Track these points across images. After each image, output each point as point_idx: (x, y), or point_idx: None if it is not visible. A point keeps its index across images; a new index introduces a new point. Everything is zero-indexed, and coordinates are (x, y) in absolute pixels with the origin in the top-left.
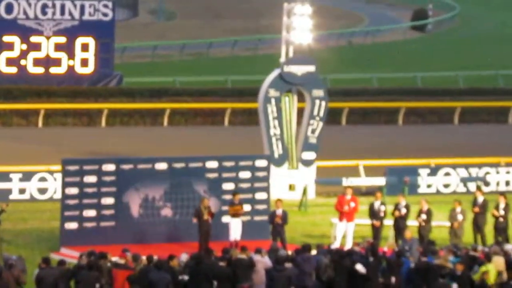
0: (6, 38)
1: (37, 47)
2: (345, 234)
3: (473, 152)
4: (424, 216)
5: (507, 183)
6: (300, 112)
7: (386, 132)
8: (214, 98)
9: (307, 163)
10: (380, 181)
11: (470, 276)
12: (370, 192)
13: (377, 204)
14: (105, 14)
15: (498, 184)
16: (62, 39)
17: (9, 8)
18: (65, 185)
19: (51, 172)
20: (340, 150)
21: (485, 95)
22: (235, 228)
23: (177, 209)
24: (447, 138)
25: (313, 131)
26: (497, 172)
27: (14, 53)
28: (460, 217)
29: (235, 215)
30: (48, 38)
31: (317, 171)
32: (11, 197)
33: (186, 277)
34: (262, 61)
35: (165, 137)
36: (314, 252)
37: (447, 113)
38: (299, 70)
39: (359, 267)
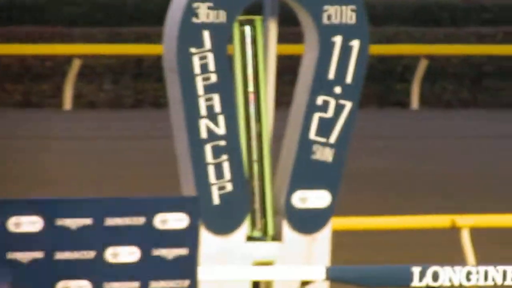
0: None
1: None
2: None
3: None
4: None
5: None
6: (289, 71)
7: None
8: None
9: (308, 222)
10: None
11: None
12: None
13: None
14: None
15: None
16: None
17: None
18: None
19: None
20: (404, 180)
21: None
22: None
23: None
24: None
25: (323, 128)
26: None
27: None
28: None
29: None
30: None
31: (333, 245)
32: None
33: None
34: None
35: None
36: None
37: None
38: None
39: None
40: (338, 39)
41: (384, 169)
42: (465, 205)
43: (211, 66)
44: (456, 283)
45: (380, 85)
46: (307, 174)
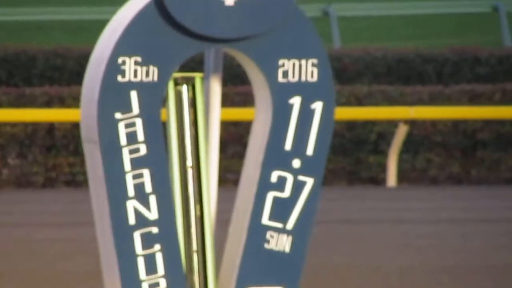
0: None
1: None
2: None
3: None
4: None
5: None
6: (236, 140)
7: None
8: None
9: None
10: None
11: None
12: None
13: None
14: None
15: None
16: None
17: None
18: None
19: None
20: None
21: None
22: None
23: None
24: None
25: (279, 211)
26: None
27: None
28: None
29: None
30: None
31: None
32: None
33: None
34: None
35: None
36: None
37: None
38: None
39: None
40: (296, 101)
41: (354, 264)
42: None
43: (140, 135)
44: None
45: (349, 157)
46: (259, 267)
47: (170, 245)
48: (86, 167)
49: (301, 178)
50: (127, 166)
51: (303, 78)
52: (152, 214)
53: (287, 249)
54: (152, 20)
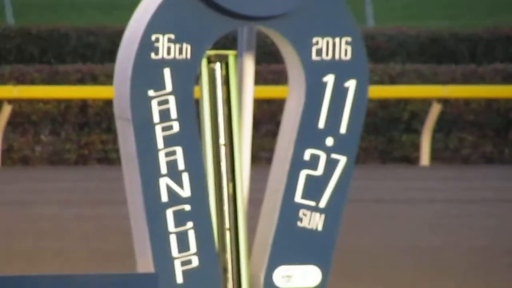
0: None
1: None
2: None
3: None
4: None
5: None
6: (269, 118)
7: None
8: None
9: None
10: None
11: None
12: None
13: None
14: None
15: None
16: None
17: None
18: None
19: None
20: None
21: None
22: None
23: None
24: None
25: (312, 189)
26: None
27: None
28: None
29: None
30: None
31: None
32: None
33: None
34: None
35: None
36: None
37: None
38: None
39: None
40: (330, 79)
41: (385, 243)
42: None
43: (173, 113)
44: None
45: (382, 136)
46: (292, 245)
47: (203, 222)
48: (119, 144)
49: (334, 156)
50: (160, 143)
51: (336, 56)
52: (185, 191)
53: (320, 227)
54: None
